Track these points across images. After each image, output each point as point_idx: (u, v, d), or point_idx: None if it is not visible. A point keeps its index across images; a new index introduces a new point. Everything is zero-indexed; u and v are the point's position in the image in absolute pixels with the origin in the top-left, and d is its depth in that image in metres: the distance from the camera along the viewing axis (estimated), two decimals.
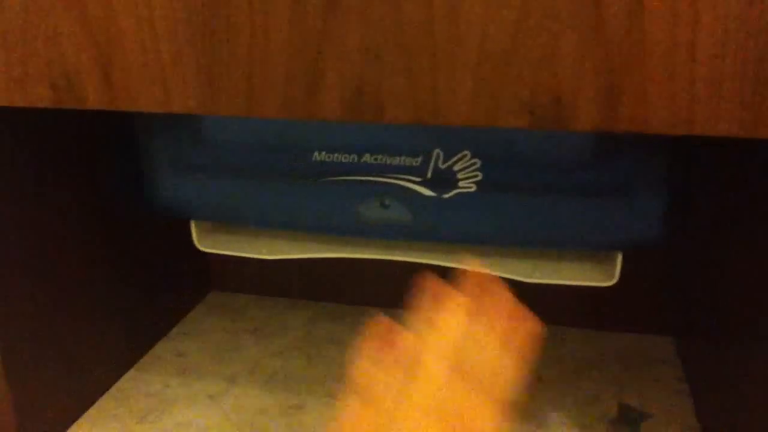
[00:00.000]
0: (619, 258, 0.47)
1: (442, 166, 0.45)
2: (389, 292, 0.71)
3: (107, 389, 0.59)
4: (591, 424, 0.57)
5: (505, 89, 0.34)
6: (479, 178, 0.45)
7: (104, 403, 0.58)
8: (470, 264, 0.45)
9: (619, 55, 0.33)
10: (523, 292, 0.30)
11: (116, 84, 0.38)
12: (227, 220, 0.51)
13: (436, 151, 0.45)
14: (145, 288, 0.63)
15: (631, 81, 0.33)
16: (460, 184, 0.45)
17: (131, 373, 0.62)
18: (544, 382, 0.61)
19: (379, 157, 0.46)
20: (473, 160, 0.45)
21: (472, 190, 0.45)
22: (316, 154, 0.46)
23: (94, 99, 0.38)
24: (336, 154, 0.46)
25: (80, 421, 0.56)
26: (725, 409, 0.53)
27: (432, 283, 0.31)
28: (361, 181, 0.46)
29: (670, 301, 0.68)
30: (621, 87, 0.33)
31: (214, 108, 0.37)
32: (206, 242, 0.52)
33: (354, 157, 0.46)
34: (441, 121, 0.35)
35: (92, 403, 0.58)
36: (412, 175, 0.46)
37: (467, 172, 0.45)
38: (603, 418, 0.58)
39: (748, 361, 0.49)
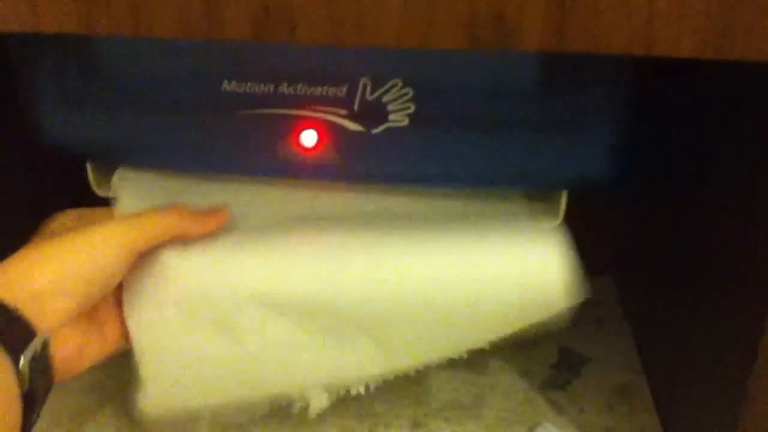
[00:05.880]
0: (564, 197, 0.43)
1: (370, 98, 0.40)
2: None
3: None
4: (532, 369, 0.55)
5: (441, 3, 0.29)
6: (412, 110, 0.40)
7: None
8: None
9: None
10: None
11: None
12: (127, 162, 0.45)
13: (363, 79, 0.40)
14: None
15: None
16: (391, 117, 0.40)
17: None
18: None
19: (299, 86, 0.40)
20: (405, 90, 0.40)
21: (404, 123, 0.40)
22: (225, 83, 0.40)
23: None
24: (248, 84, 0.40)
25: None
26: (667, 349, 0.52)
27: None
28: (279, 114, 0.41)
29: (609, 240, 0.66)
30: (572, 1, 0.29)
31: (94, 27, 0.31)
32: (106, 186, 0.46)
33: (269, 87, 0.40)
34: (364, 42, 0.30)
35: None
36: (337, 108, 0.40)
37: (398, 104, 0.40)
38: (544, 362, 0.56)
39: (689, 300, 0.47)
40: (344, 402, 0.49)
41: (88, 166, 0.45)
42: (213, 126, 0.42)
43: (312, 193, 0.45)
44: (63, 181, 0.56)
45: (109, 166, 0.46)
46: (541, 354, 0.57)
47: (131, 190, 0.44)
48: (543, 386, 0.54)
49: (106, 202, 0.47)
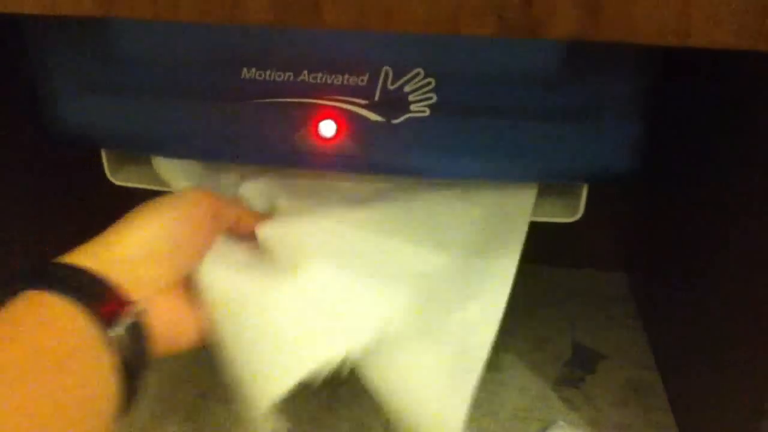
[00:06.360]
0: (585, 191, 0.43)
1: (392, 87, 0.39)
2: None
3: None
4: (546, 366, 0.55)
5: None
6: (433, 100, 0.40)
7: None
8: None
9: None
10: None
11: None
12: (143, 150, 0.45)
13: (385, 68, 0.39)
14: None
15: None
16: (412, 107, 0.40)
17: None
18: None
19: (319, 75, 0.40)
20: (427, 80, 0.39)
21: (426, 114, 0.40)
22: (244, 70, 0.40)
23: None
24: (268, 71, 0.40)
25: None
26: (681, 345, 0.52)
27: None
28: (299, 103, 0.40)
29: (623, 237, 0.66)
30: None
31: (113, 10, 0.31)
32: (120, 174, 0.46)
33: (289, 75, 0.40)
34: (391, 27, 0.29)
35: None
36: (358, 97, 0.40)
37: (420, 94, 0.40)
38: (557, 359, 0.56)
39: (702, 296, 0.47)
40: (358, 396, 0.49)
41: (103, 155, 0.45)
42: (231, 114, 0.41)
43: (331, 184, 0.45)
44: (68, 179, 0.55)
45: (123, 154, 0.46)
46: (554, 351, 0.56)
47: (180, 175, 0.44)
48: (557, 383, 0.53)
49: (114, 194, 0.46)
